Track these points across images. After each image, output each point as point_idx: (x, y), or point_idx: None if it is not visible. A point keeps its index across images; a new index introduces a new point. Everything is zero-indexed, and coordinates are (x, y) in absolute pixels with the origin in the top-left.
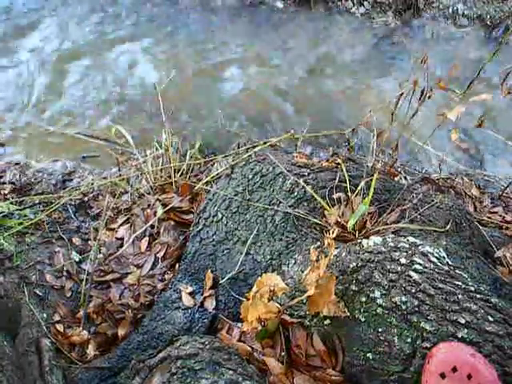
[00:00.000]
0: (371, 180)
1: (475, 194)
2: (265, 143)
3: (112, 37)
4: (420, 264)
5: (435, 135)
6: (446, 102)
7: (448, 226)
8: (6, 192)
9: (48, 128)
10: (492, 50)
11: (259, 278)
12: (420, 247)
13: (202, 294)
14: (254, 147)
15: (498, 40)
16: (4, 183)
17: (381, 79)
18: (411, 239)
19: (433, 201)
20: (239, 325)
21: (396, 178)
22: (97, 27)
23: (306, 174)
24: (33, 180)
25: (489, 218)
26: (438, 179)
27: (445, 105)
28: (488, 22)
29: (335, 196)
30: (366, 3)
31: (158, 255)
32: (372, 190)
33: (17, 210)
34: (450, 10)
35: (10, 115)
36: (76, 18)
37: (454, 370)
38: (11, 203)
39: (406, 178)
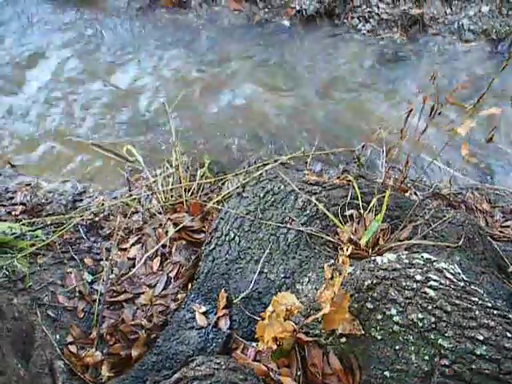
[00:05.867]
0: (383, 196)
1: (486, 208)
2: (275, 161)
3: (120, 57)
4: (436, 280)
5: (445, 150)
6: (456, 116)
7: (461, 242)
8: (18, 213)
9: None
10: (498, 64)
11: (274, 298)
12: (435, 263)
13: (215, 314)
14: (265, 165)
15: (503, 54)
16: (15, 204)
17: (388, 95)
18: (426, 255)
19: (445, 216)
20: (254, 344)
21: (406, 194)
22: (105, 45)
23: (318, 191)
24: (43, 201)
25: (501, 232)
26: (448, 194)
27: (454, 120)
28: (494, 37)
29: (347, 213)
30: (371, 20)
31: (170, 275)
32: (384, 206)
33: (29, 231)
34: (456, 25)
35: (19, 136)
36: (85, 36)
37: None
38: (23, 224)
39: (416, 193)
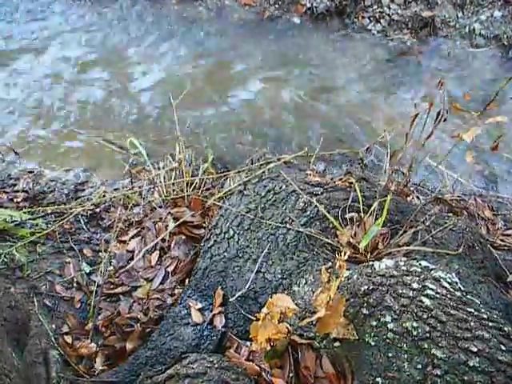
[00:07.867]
0: (384, 201)
1: (488, 215)
2: (278, 160)
3: (128, 49)
4: (432, 289)
5: (449, 156)
6: (462, 122)
7: (461, 249)
8: (19, 200)
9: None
10: (508, 70)
11: (270, 299)
12: (432, 272)
13: (211, 311)
14: (268, 164)
15: None
16: (17, 191)
17: (396, 97)
18: (424, 263)
19: (446, 223)
20: (248, 343)
21: (408, 198)
22: (114, 39)
23: (319, 192)
24: (46, 189)
25: (502, 240)
26: (451, 200)
27: (460, 125)
28: (505, 42)
29: (348, 216)
30: (382, 21)
31: (168, 269)
32: (385, 211)
33: (29, 219)
34: (467, 29)
35: (24, 123)
36: (93, 30)
37: None
38: (24, 212)
39: (418, 197)
